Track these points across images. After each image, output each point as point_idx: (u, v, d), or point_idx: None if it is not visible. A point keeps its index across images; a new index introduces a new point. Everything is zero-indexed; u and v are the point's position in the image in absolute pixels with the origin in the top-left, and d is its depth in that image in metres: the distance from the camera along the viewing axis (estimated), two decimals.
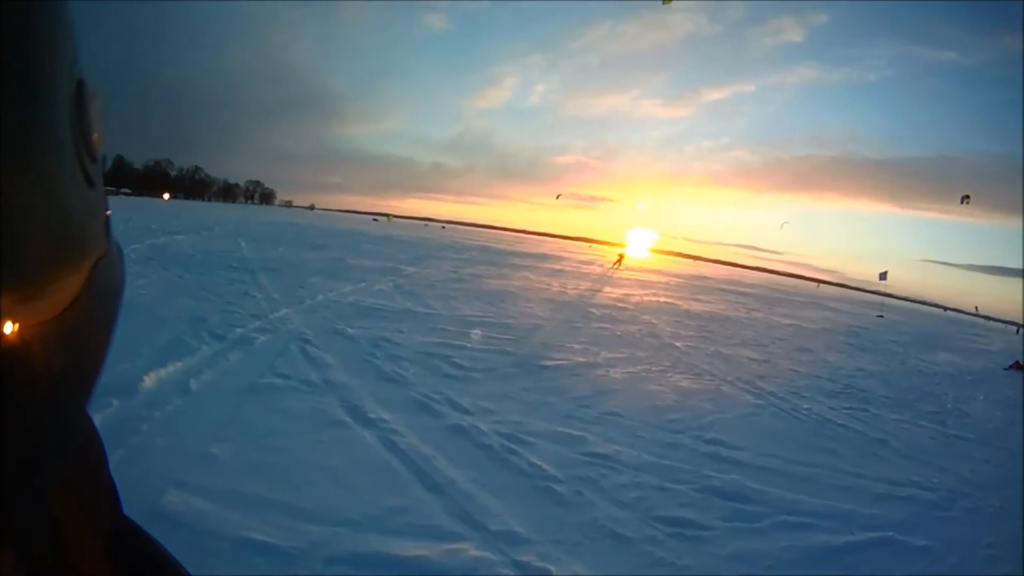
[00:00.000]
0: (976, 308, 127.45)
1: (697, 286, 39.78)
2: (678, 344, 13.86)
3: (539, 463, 5.66)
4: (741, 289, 48.54)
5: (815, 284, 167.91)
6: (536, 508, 4.86)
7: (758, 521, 5.32)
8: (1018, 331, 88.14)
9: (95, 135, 0.41)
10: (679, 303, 25.12)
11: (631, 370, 10.29)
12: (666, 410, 8.15)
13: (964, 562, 5.48)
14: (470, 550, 4.09)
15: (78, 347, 0.39)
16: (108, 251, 0.45)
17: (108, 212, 0.48)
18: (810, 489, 6.29)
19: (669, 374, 10.46)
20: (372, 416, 6.19)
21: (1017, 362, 26.58)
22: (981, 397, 15.23)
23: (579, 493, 5.22)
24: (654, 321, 17.52)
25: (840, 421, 9.34)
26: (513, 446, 5.98)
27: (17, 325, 0.31)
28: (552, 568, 4.03)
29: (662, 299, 25.75)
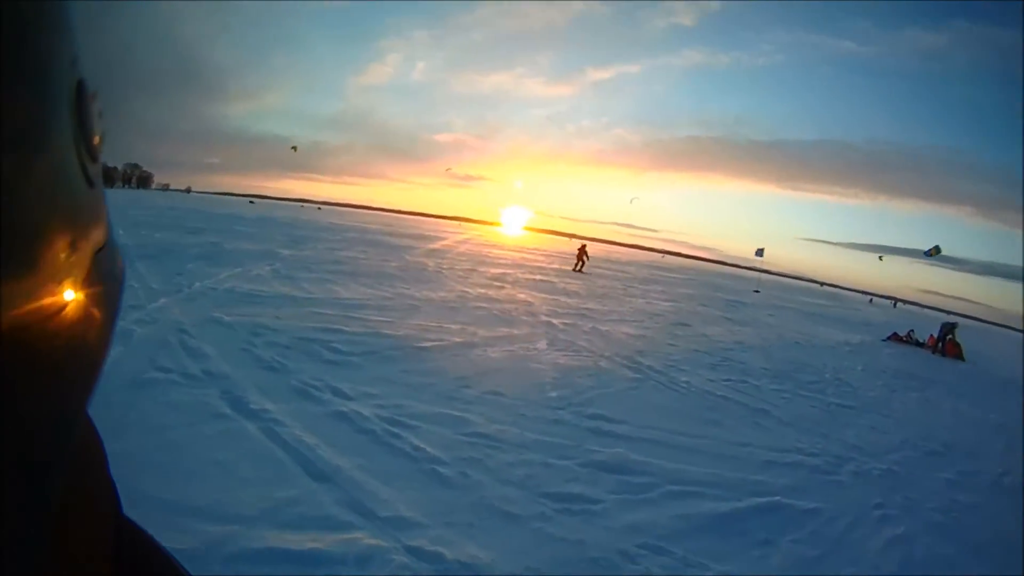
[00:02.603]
0: (871, 300, 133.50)
1: (574, 265, 40.28)
2: (555, 322, 14.09)
3: (423, 446, 5.71)
4: (620, 268, 49.58)
5: (660, 255, 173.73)
6: (424, 491, 4.91)
7: (646, 492, 5.52)
8: (894, 304, 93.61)
9: (95, 135, 0.43)
10: (556, 281, 25.45)
11: (510, 349, 10.42)
12: (547, 387, 8.33)
13: (856, 523, 5.86)
14: (363, 539, 4.12)
15: (78, 347, 0.40)
16: (108, 251, 0.47)
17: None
18: (695, 459, 6.59)
19: (548, 352, 10.65)
20: (254, 407, 6.15)
21: (895, 333, 28.35)
22: (860, 367, 16.26)
23: (465, 474, 5.30)
24: (530, 300, 17.69)
25: (720, 393, 9.79)
26: (396, 430, 6.00)
27: (18, 325, 0.32)
28: (445, 551, 4.08)
29: (538, 278, 26.00)
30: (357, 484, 4.89)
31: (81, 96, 0.40)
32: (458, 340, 10.53)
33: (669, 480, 5.87)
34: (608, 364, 10.44)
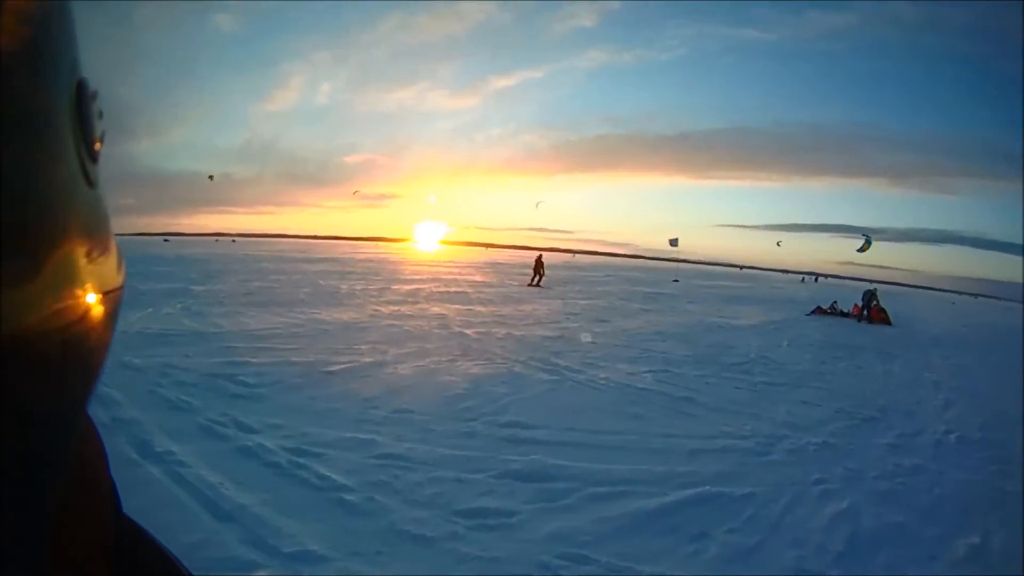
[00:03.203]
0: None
1: (489, 273, 40.21)
2: (468, 332, 13.79)
3: (328, 474, 5.50)
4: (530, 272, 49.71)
5: (571, 255, 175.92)
6: (330, 522, 4.73)
7: (566, 498, 5.27)
8: (816, 279, 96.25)
9: (96, 136, 0.42)
10: (470, 292, 25.22)
11: (420, 364, 10.07)
12: (458, 399, 8.00)
13: (795, 502, 5.69)
14: None
15: (79, 347, 0.39)
16: (109, 252, 0.46)
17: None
18: (618, 457, 6.34)
19: (459, 363, 10.31)
20: (159, 450, 5.95)
21: (819, 307, 28.87)
22: (786, 343, 16.46)
23: (372, 499, 5.07)
24: (444, 312, 17.39)
25: (641, 385, 9.59)
26: (302, 460, 5.81)
27: (18, 325, 0.31)
28: None
29: (453, 290, 25.76)
30: (262, 521, 4.71)
31: (81, 97, 0.40)
32: (368, 360, 10.16)
33: (591, 482, 5.62)
34: (523, 369, 10.16)
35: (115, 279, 0.48)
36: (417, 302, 20.12)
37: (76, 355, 0.39)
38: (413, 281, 30.60)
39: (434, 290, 25.08)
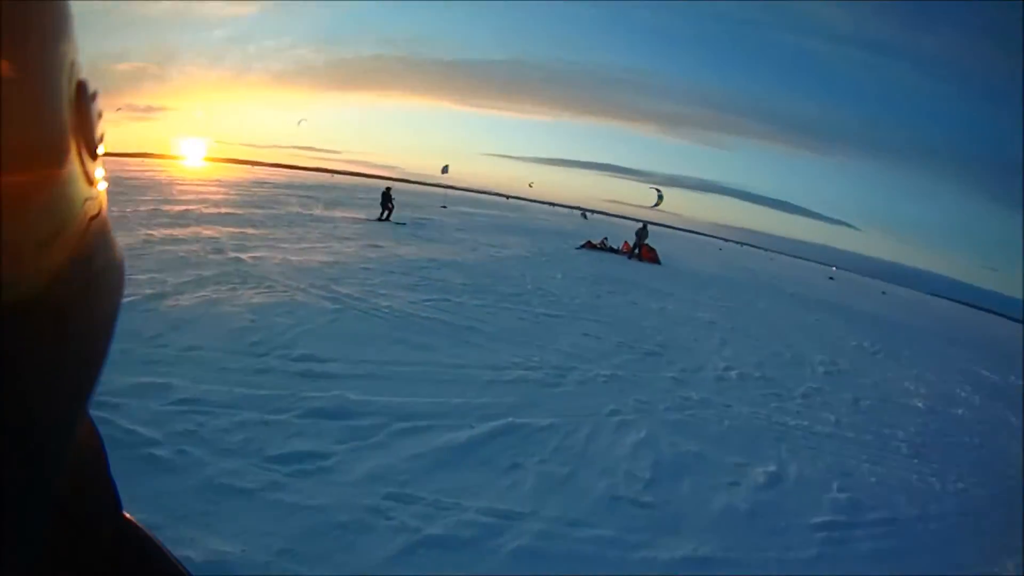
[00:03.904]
0: (531, 185, 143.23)
1: (257, 193, 38.81)
2: (244, 257, 13.20)
3: (132, 427, 4.97)
4: (304, 193, 48.39)
5: (331, 175, 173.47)
6: (147, 483, 4.29)
7: (375, 435, 5.24)
8: (584, 215, 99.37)
9: (95, 135, 0.43)
10: (239, 212, 24.25)
11: (201, 294, 9.50)
12: (246, 332, 7.64)
13: (596, 432, 6.01)
14: None
15: (79, 346, 0.40)
16: (109, 250, 0.48)
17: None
18: (416, 389, 6.37)
19: (240, 291, 9.85)
20: None
21: (588, 241, 29.88)
22: (560, 276, 17.01)
23: (183, 452, 4.70)
24: (216, 235, 16.55)
25: (425, 314, 9.62)
26: (103, 413, 5.14)
27: (18, 324, 0.32)
28: (190, 553, 3.65)
29: (223, 210, 24.59)
30: None
31: (81, 97, 0.41)
32: (148, 292, 9.43)
33: (395, 417, 5.62)
34: (305, 297, 9.91)
35: (115, 276, 0.50)
36: (188, 224, 19.10)
37: (76, 354, 0.40)
38: (182, 201, 29.17)
39: (204, 211, 23.90)
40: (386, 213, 28.70)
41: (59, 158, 0.37)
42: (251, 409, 5.49)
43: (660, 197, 46.35)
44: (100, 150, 0.45)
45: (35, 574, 0.39)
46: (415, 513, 4.19)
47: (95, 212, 0.44)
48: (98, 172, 0.44)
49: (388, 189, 30.17)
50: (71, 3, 0.39)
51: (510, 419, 5.90)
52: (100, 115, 0.45)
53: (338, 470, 4.65)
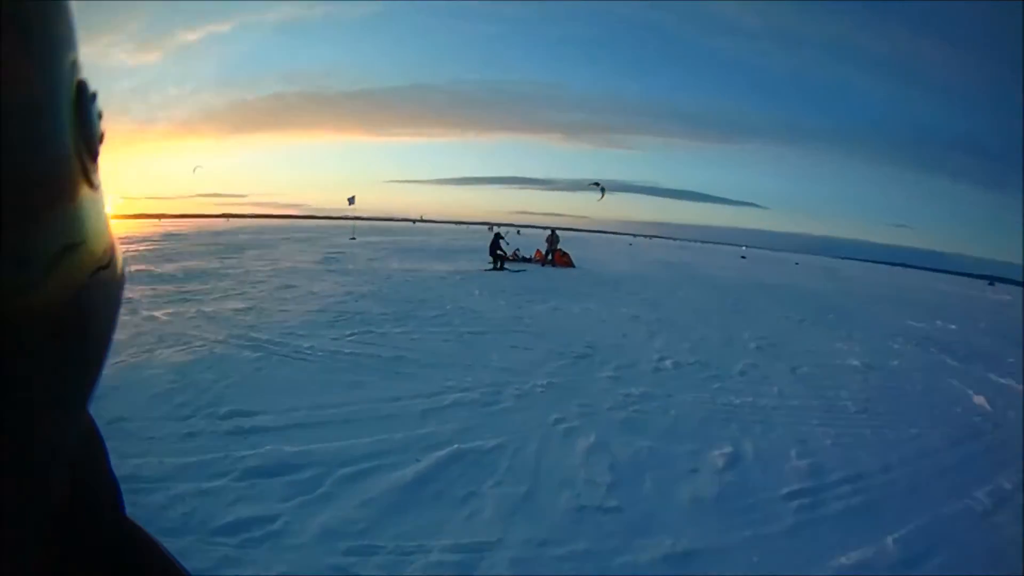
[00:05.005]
0: (421, 217, 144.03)
1: (171, 248, 37.94)
2: (157, 314, 12.77)
3: None
4: (215, 241, 47.65)
5: (226, 219, 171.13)
6: None
7: (319, 486, 4.97)
8: (490, 228, 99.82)
9: (96, 136, 0.44)
10: (153, 268, 23.66)
11: (120, 360, 9.06)
12: (168, 395, 7.20)
13: (546, 444, 5.93)
14: None
15: (79, 346, 0.40)
16: (109, 250, 0.47)
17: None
18: (353, 431, 6.13)
19: (158, 351, 9.42)
20: None
21: (502, 255, 29.82)
22: (477, 292, 16.99)
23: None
24: (128, 296, 16.11)
25: (349, 350, 9.38)
26: None
27: (19, 324, 0.32)
28: None
29: (132, 268, 24.00)
30: None
31: (81, 97, 0.42)
32: None
33: (337, 463, 5.37)
34: (224, 349, 9.54)
35: (115, 277, 0.49)
36: None
37: (77, 355, 0.40)
38: None
39: None
40: (499, 263, 25.35)
41: (60, 160, 0.37)
42: (185, 480, 5.12)
43: (602, 189, 46.75)
44: (100, 151, 0.44)
45: (35, 575, 0.39)
46: (380, 564, 3.98)
47: (95, 212, 0.43)
48: (97, 173, 0.44)
49: (496, 234, 26.76)
50: (71, 3, 0.39)
51: (455, 446, 5.74)
52: (100, 115, 0.45)
53: (289, 532, 4.35)
